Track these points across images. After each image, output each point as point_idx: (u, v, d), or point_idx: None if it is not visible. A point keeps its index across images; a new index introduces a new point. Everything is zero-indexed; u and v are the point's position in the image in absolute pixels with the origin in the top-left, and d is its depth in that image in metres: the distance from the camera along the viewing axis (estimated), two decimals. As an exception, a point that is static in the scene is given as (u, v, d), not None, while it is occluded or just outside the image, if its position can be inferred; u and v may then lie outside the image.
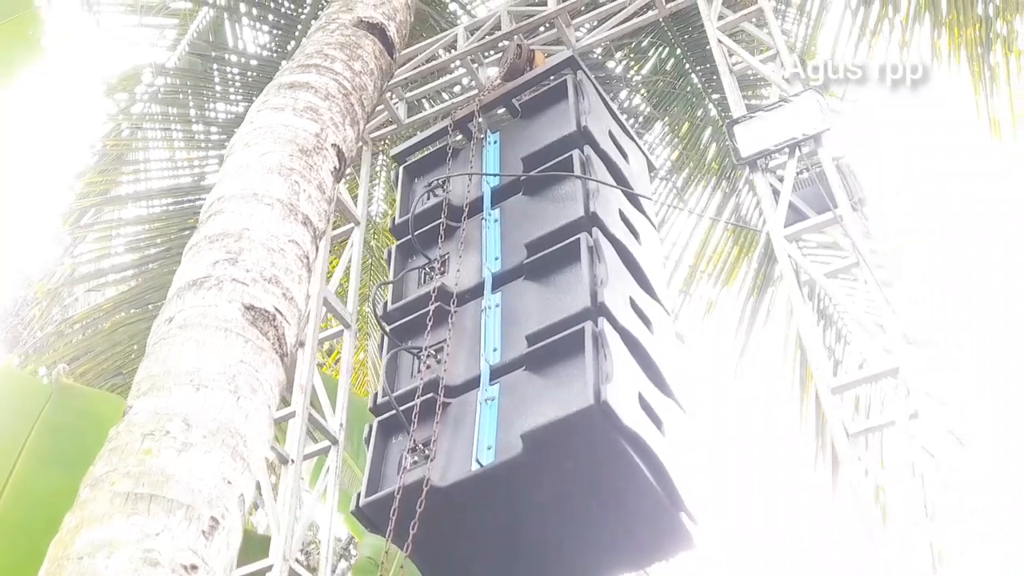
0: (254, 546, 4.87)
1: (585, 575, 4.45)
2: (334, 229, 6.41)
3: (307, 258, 3.24)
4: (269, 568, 4.54)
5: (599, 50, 9.48)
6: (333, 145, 3.65)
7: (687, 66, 9.02)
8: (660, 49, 9.21)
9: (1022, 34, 8.82)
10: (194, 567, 2.25)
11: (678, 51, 8.96)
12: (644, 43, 9.26)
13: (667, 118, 9.01)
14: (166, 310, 2.91)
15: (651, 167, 5.82)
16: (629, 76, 9.44)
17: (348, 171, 7.90)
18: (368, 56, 4.18)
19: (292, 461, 4.83)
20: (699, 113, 8.94)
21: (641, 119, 9.25)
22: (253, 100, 4.18)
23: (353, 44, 4.15)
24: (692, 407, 4.56)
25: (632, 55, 9.32)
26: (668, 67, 9.08)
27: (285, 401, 5.68)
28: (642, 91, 9.31)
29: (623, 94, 9.42)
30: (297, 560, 4.74)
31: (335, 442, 5.18)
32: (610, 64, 9.43)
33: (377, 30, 4.38)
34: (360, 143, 6.74)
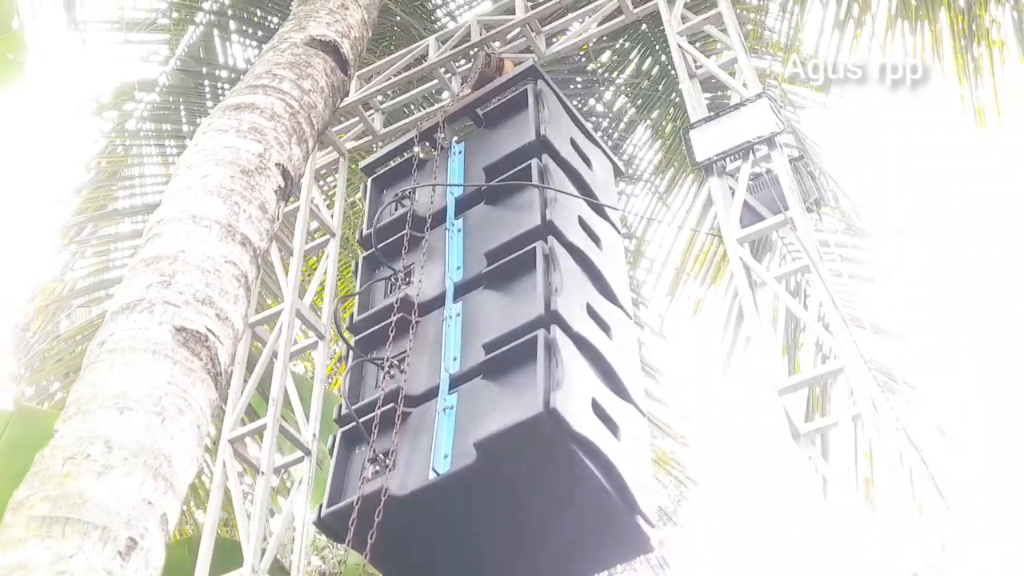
0: (232, 554, 4.95)
1: (546, 577, 4.47)
2: (311, 241, 6.48)
3: (245, 278, 3.30)
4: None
5: (581, 54, 9.54)
6: (277, 165, 3.70)
7: (670, 68, 9.01)
8: (643, 51, 9.22)
9: (1004, 25, 8.81)
10: (106, 589, 2.30)
11: (660, 54, 8.96)
12: (627, 46, 9.28)
13: (650, 120, 9.01)
14: (99, 334, 2.97)
15: (619, 172, 5.84)
16: (613, 78, 9.43)
17: (328, 183, 7.98)
18: (319, 74, 4.23)
19: (263, 473, 4.87)
20: (682, 115, 8.93)
21: (625, 121, 9.25)
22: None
23: (303, 63, 4.20)
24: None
25: (616, 57, 9.32)
26: (651, 70, 9.08)
27: (257, 413, 5.76)
28: (626, 93, 9.31)
29: (608, 95, 9.44)
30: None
31: (308, 452, 5.22)
32: (592, 67, 9.43)
33: (330, 48, 4.43)
34: (339, 156, 6.83)
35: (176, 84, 9.66)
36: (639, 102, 9.17)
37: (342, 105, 6.77)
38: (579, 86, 9.31)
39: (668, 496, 19.99)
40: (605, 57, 9.35)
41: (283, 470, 5.38)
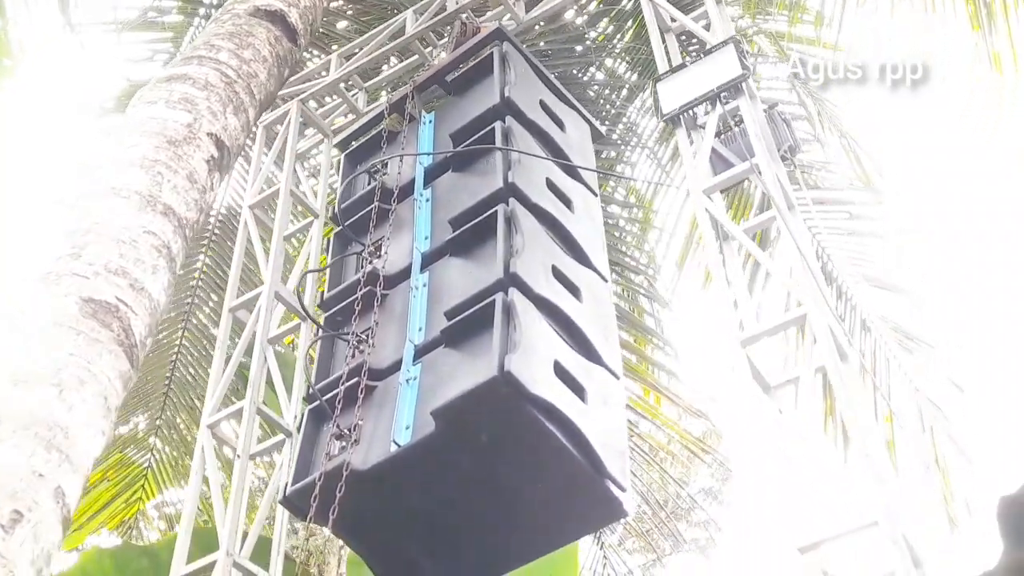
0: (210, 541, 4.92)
1: (518, 549, 4.37)
2: (295, 223, 6.42)
3: (167, 248, 3.23)
4: (214, 563, 4.54)
5: (582, 20, 9.40)
6: (209, 134, 3.63)
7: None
8: (641, 16, 9.03)
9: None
10: (-16, 564, 2.23)
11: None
12: (626, 9, 9.10)
13: (650, 87, 8.82)
14: (3, 307, 2.91)
15: (597, 134, 5.69)
16: (612, 45, 9.26)
17: (316, 164, 7.91)
18: (260, 43, 4.16)
19: (239, 456, 4.82)
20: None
21: (627, 89, 9.08)
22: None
23: (244, 33, 4.14)
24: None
25: (615, 24, 9.16)
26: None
27: (239, 395, 5.72)
28: (626, 60, 9.14)
29: (608, 63, 9.28)
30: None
31: (289, 435, 5.17)
32: (592, 35, 9.27)
33: (276, 17, 4.36)
34: (323, 138, 6.76)
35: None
36: (639, 69, 8.99)
37: (325, 84, 6.73)
38: (578, 55, 9.15)
39: (712, 476, 19.85)
40: (603, 24, 9.18)
41: (267, 453, 5.33)
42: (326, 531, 6.57)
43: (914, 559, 3.04)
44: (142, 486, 9.07)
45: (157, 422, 9.09)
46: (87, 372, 2.73)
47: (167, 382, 9.09)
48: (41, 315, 2.81)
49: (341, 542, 7.66)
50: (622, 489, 4.07)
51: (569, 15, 9.09)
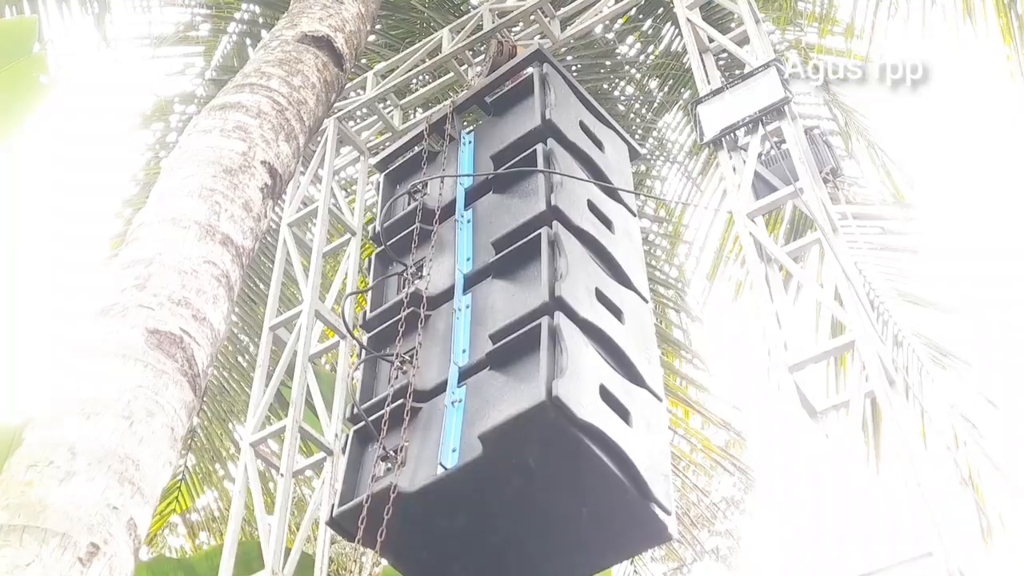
0: (255, 557, 4.97)
1: (561, 573, 4.39)
2: (331, 241, 6.47)
3: (226, 277, 3.27)
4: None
5: (611, 35, 9.43)
6: (263, 162, 3.67)
7: (698, 47, 8.86)
8: (671, 31, 9.06)
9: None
10: (66, 597, 2.27)
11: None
12: (655, 26, 9.14)
13: (681, 101, 8.85)
14: (71, 340, 2.96)
15: (635, 154, 5.70)
16: (642, 60, 9.29)
17: (345, 178, 7.97)
18: (309, 70, 4.20)
19: (282, 475, 4.87)
20: (713, 94, 8.76)
21: (656, 103, 9.10)
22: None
23: (293, 59, 4.18)
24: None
25: (642, 40, 9.19)
26: (679, 50, 8.91)
27: (278, 415, 5.77)
28: (656, 74, 9.16)
29: (637, 77, 9.30)
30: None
31: (330, 452, 5.21)
32: (622, 49, 9.30)
33: (323, 43, 4.40)
34: (359, 155, 6.81)
35: (212, 94, 9.74)
36: (669, 83, 9.01)
37: (362, 102, 6.79)
38: (607, 70, 9.18)
39: (734, 486, 19.80)
40: (631, 40, 9.21)
41: (308, 470, 5.38)
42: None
43: (969, 590, 3.06)
44: (176, 498, 9.14)
45: (190, 433, 9.15)
46: (155, 403, 2.77)
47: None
48: (109, 347, 2.85)
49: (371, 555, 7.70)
50: (667, 512, 4.09)
51: (598, 30, 9.11)
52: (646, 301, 4.88)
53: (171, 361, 2.91)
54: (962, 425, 7.24)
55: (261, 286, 8.42)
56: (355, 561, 8.01)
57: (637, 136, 8.81)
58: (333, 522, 4.28)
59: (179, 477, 9.09)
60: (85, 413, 2.65)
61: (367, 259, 5.96)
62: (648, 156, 9.06)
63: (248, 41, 9.93)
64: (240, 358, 8.99)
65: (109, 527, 2.46)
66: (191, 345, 2.99)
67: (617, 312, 4.50)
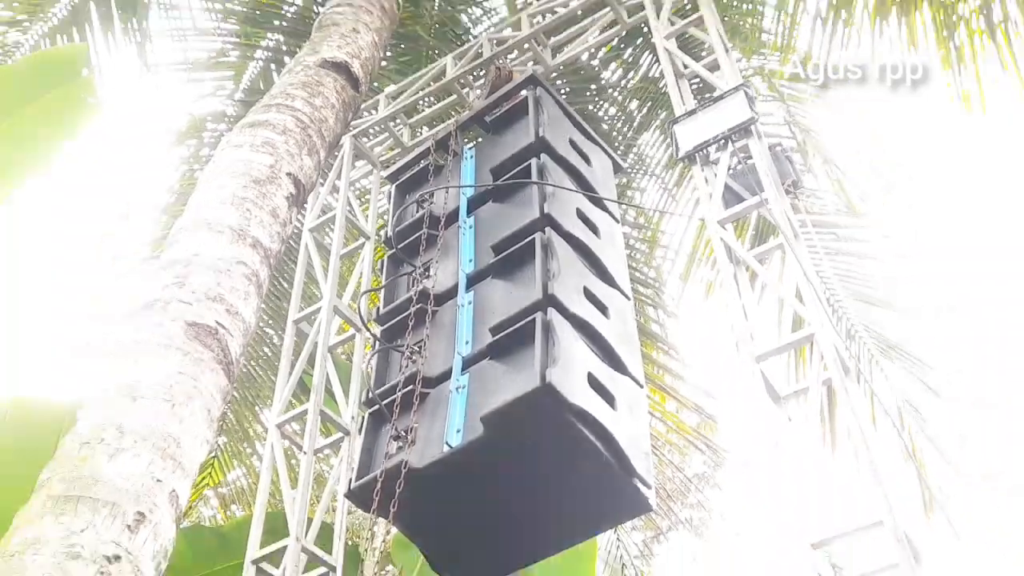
0: (281, 526, 4.95)
1: (552, 539, 4.40)
2: (348, 245, 6.46)
3: (256, 276, 3.28)
4: (285, 546, 4.59)
5: (595, 62, 9.43)
6: (288, 174, 3.68)
7: (673, 72, 8.86)
8: (649, 59, 9.07)
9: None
10: (117, 557, 2.28)
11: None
12: (635, 53, 9.14)
13: (658, 121, 8.85)
14: (118, 331, 2.96)
15: (618, 168, 5.72)
16: (624, 84, 9.29)
17: (360, 188, 7.97)
18: (329, 92, 4.20)
19: (305, 453, 4.86)
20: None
21: (636, 123, 9.11)
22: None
23: (315, 83, 4.18)
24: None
25: (624, 66, 9.19)
26: (657, 76, 8.92)
27: (300, 400, 5.76)
28: (636, 97, 9.16)
29: (620, 99, 9.30)
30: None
31: (347, 433, 5.22)
32: (605, 74, 9.31)
33: (341, 68, 4.40)
34: (372, 168, 6.81)
35: (241, 114, 9.72)
36: (648, 105, 9.02)
37: (375, 121, 6.79)
38: (593, 93, 9.19)
39: (705, 463, 19.81)
40: (614, 66, 9.21)
41: (326, 449, 5.38)
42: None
43: (915, 554, 3.06)
44: (209, 473, 9.13)
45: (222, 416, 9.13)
46: (194, 388, 2.77)
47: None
48: (153, 338, 2.85)
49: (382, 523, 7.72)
50: (648, 486, 4.09)
51: (585, 57, 9.12)
52: (628, 298, 4.89)
53: (208, 351, 2.91)
54: (907, 409, 7.27)
55: (285, 284, 8.41)
56: (369, 530, 8.01)
57: (619, 152, 8.81)
58: (351, 494, 4.27)
59: (212, 455, 9.08)
60: (132, 396, 2.65)
61: (380, 261, 5.96)
62: (629, 170, 9.07)
63: (273, 66, 9.89)
64: (265, 348, 8.98)
65: (154, 498, 2.46)
66: (225, 336, 2.99)
67: (603, 308, 4.50)
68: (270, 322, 8.95)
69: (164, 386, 2.70)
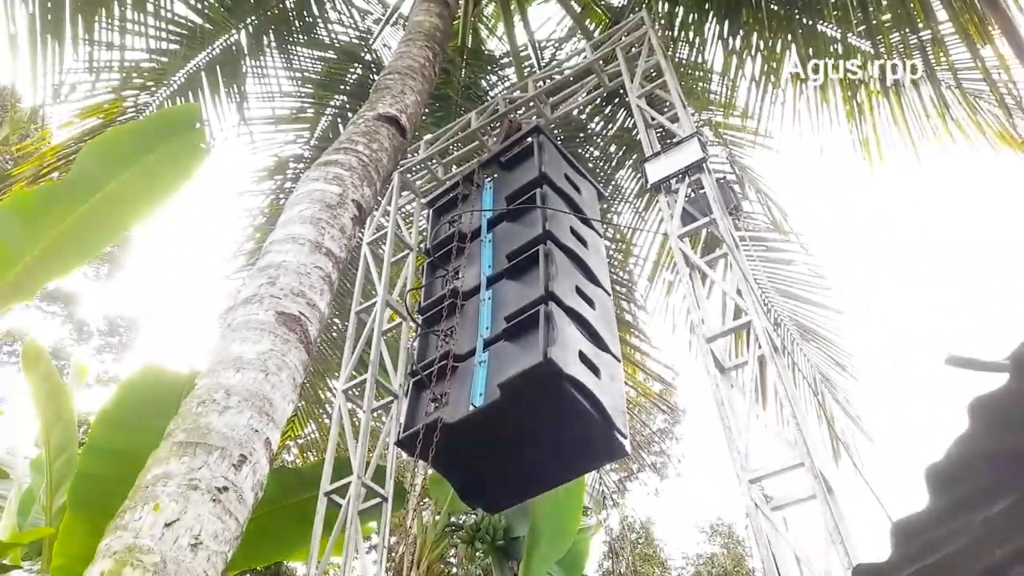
0: (345, 468, 4.95)
1: (552, 476, 4.40)
2: (396, 255, 6.46)
3: (329, 278, 3.27)
4: (349, 482, 4.58)
5: (583, 116, 9.40)
6: (353, 200, 3.67)
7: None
8: (625, 114, 9.04)
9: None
10: (225, 488, 2.28)
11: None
12: (614, 110, 9.11)
13: (631, 160, 8.82)
14: (227, 318, 2.97)
15: (601, 196, 5.71)
16: (606, 133, 9.26)
17: (405, 212, 7.95)
18: (384, 138, 4.19)
19: (364, 411, 4.86)
20: (653, 155, 8.73)
21: (614, 163, 9.08)
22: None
23: (372, 132, 4.17)
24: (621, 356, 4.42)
25: (605, 119, 9.16)
26: (631, 126, 8.89)
27: (360, 372, 5.75)
28: (615, 142, 9.13)
29: (602, 144, 9.27)
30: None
31: (396, 396, 5.21)
32: (591, 125, 9.27)
33: (392, 120, 4.39)
34: (414, 197, 6.80)
35: (315, 156, 9.72)
36: (623, 148, 8.98)
37: (417, 161, 6.78)
38: (581, 140, 9.16)
39: (665, 421, 19.73)
40: (598, 119, 9.18)
41: (380, 409, 5.37)
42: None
43: (828, 488, 3.05)
44: (291, 427, 9.13)
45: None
46: (283, 361, 2.78)
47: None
48: (252, 323, 2.86)
49: (421, 466, 7.71)
50: (624, 436, 4.09)
51: (575, 113, 9.09)
52: (609, 295, 4.88)
53: (293, 333, 2.91)
54: (820, 380, 7.22)
55: (348, 285, 8.41)
56: (412, 471, 8.01)
57: (601, 184, 8.78)
58: (399, 443, 4.29)
59: (293, 414, 9.08)
60: (236, 367, 2.66)
61: (421, 267, 5.96)
62: (609, 198, 9.04)
63: (339, 120, 9.89)
64: (332, 333, 8.97)
65: (253, 444, 2.47)
66: (306, 323, 2.99)
67: (590, 302, 4.51)
68: (337, 313, 8.95)
69: (260, 359, 2.70)
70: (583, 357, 4.06)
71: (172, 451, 2.32)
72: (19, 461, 8.05)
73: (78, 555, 3.92)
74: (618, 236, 9.30)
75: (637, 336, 9.06)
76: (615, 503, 16.97)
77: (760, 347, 3.54)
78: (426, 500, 8.39)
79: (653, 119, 5.45)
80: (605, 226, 9.01)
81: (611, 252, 9.17)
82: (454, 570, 13.44)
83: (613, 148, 9.20)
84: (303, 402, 9.49)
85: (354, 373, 5.58)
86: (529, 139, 5.35)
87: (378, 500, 4.70)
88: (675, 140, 4.88)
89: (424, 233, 6.44)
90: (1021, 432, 1.37)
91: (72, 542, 3.95)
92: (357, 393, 5.57)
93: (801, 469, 3.08)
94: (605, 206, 9.15)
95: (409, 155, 6.95)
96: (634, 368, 9.33)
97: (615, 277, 9.01)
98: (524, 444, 4.17)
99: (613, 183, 9.09)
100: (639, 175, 8.87)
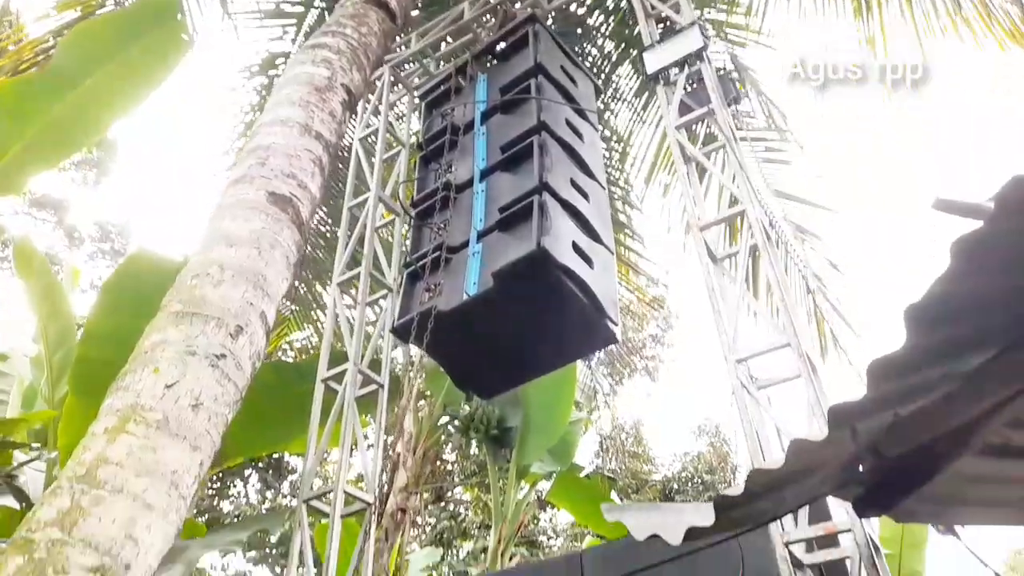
0: (343, 360, 5.05)
1: (545, 362, 4.50)
2: (387, 152, 6.37)
3: (320, 160, 3.24)
4: (346, 369, 4.69)
5: (583, 9, 9.07)
6: (342, 84, 3.60)
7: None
8: (626, 5, 8.70)
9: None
10: (223, 356, 2.34)
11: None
12: (616, 2, 8.77)
13: (630, 58, 8.58)
14: (218, 199, 2.96)
15: (598, 91, 5.59)
16: (605, 29, 8.95)
17: (397, 110, 7.80)
18: (373, 22, 4.06)
19: (358, 304, 4.92)
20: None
21: (613, 60, 8.83)
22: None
23: (361, 14, 4.04)
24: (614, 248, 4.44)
25: (604, 12, 8.84)
26: (630, 20, 8.59)
27: (355, 259, 5.76)
28: (612, 38, 8.85)
29: (599, 41, 8.99)
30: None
31: (390, 290, 5.26)
32: (590, 20, 8.96)
33: (382, 4, 4.23)
34: (407, 92, 6.65)
35: (303, 53, 9.44)
36: (622, 45, 8.71)
37: (408, 54, 6.58)
38: (579, 35, 8.87)
39: (658, 327, 20.06)
40: (597, 12, 8.86)
41: (374, 304, 5.43)
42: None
43: (812, 367, 3.14)
44: (286, 327, 9.25)
45: (293, 288, 9.19)
46: (275, 240, 2.79)
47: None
48: (243, 202, 2.85)
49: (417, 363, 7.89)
50: (615, 324, 4.16)
51: (573, 7, 8.77)
52: (604, 188, 4.86)
53: (284, 214, 2.92)
54: (811, 277, 7.30)
55: (340, 186, 8.33)
56: (407, 365, 8.20)
57: (600, 81, 8.58)
58: (394, 331, 4.35)
59: (288, 314, 9.18)
60: (229, 243, 2.67)
61: (413, 162, 5.89)
62: (607, 98, 8.85)
63: (327, 13, 9.53)
64: (323, 240, 8.96)
65: (248, 316, 2.51)
66: (297, 203, 2.99)
67: (585, 195, 4.49)
68: (329, 221, 8.91)
69: (253, 237, 2.72)
70: (576, 247, 4.08)
71: (169, 320, 2.36)
72: (18, 359, 8.19)
73: (82, 435, 4.04)
74: (615, 137, 9.16)
75: (631, 236, 9.08)
76: (607, 404, 17.49)
77: (753, 236, 3.56)
78: (422, 402, 8.61)
79: (653, 8, 5.26)
80: (602, 127, 8.86)
81: (608, 153, 9.06)
82: (448, 455, 13.98)
83: (611, 46, 8.93)
84: (297, 306, 9.58)
85: (348, 274, 5.59)
86: (525, 29, 5.18)
87: (374, 387, 4.81)
88: (675, 27, 4.73)
89: (417, 131, 6.32)
90: (1005, 274, 1.39)
91: (76, 424, 4.08)
92: (352, 290, 5.59)
93: (787, 350, 3.16)
94: (602, 106, 8.98)
95: (401, 48, 6.74)
96: (627, 269, 9.40)
97: (611, 178, 8.94)
98: (517, 332, 4.24)
99: (612, 85, 8.88)
100: (638, 73, 8.65)
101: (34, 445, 5.33)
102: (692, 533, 1.75)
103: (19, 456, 5.38)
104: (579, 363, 9.24)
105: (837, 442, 1.57)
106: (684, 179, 4.11)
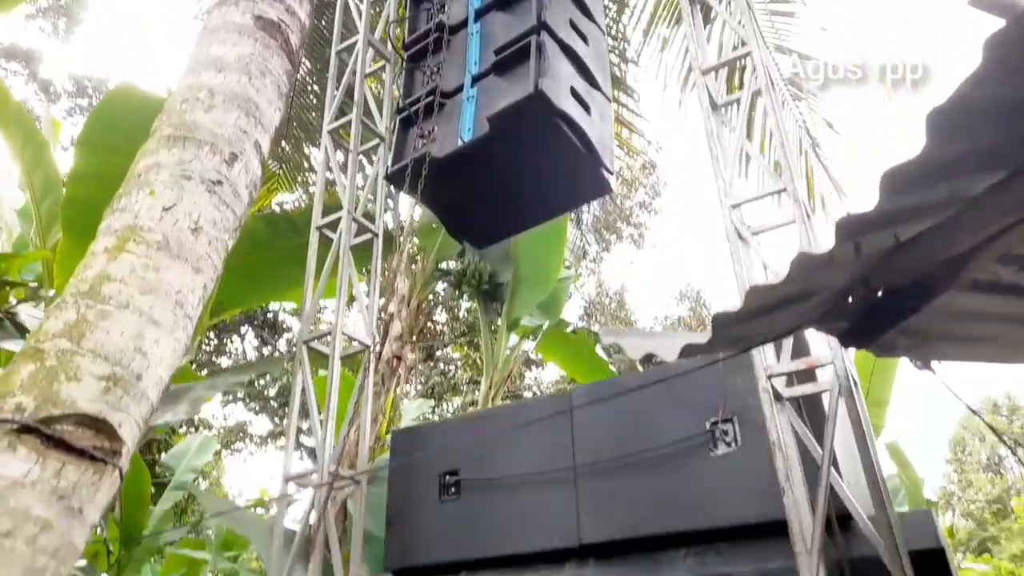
0: (337, 209, 5.01)
1: (538, 211, 4.50)
2: (378, -8, 6.00)
3: (308, -15, 3.03)
4: (340, 217, 4.67)
5: None
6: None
7: None
8: None
9: None
10: (218, 182, 2.30)
11: None
12: None
13: None
14: (205, 22, 2.80)
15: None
16: None
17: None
18: None
19: (350, 152, 4.81)
20: None
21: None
22: None
23: None
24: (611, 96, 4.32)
25: None
26: None
27: (344, 112, 5.60)
28: None
29: None
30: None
31: (382, 139, 5.14)
32: None
33: None
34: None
35: None
36: None
37: None
38: None
39: (647, 194, 19.99)
40: None
41: (369, 152, 5.32)
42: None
43: (806, 212, 3.15)
44: (276, 183, 9.08)
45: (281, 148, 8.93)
46: (265, 67, 2.67)
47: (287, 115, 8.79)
48: (229, 25, 2.70)
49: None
50: (610, 172, 4.12)
51: None
52: (603, 32, 4.65)
53: (273, 40, 2.78)
54: (806, 140, 7.20)
55: (326, 33, 7.91)
56: (399, 221, 8.17)
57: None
58: (388, 177, 4.30)
59: (278, 169, 8.99)
60: (217, 68, 2.56)
61: (403, 1, 5.57)
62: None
63: None
64: (312, 98, 8.60)
65: (242, 143, 2.45)
66: (287, 30, 2.84)
67: (584, 37, 4.30)
68: (314, 80, 8.51)
69: (243, 62, 2.60)
70: (574, 92, 3.96)
71: (161, 143, 2.30)
72: (5, 211, 8.07)
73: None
74: (613, -13, 8.65)
75: (626, 92, 8.81)
76: (592, 271, 17.74)
77: (757, 80, 3.45)
78: (416, 242, 8.64)
79: None
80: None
81: (605, 2, 8.59)
82: (439, 316, 14.32)
83: None
84: (286, 165, 9.36)
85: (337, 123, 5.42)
86: None
87: (369, 236, 4.81)
88: None
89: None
90: (1029, 76, 1.34)
91: (71, 263, 4.06)
92: (343, 136, 5.45)
93: (784, 194, 3.16)
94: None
95: None
96: (618, 125, 9.20)
97: (608, 28, 8.53)
98: (512, 179, 4.20)
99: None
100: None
101: (32, 285, 5.35)
102: (687, 350, 1.81)
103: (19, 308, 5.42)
104: (569, 224, 9.23)
105: (840, 259, 1.59)
106: (688, 20, 3.92)
